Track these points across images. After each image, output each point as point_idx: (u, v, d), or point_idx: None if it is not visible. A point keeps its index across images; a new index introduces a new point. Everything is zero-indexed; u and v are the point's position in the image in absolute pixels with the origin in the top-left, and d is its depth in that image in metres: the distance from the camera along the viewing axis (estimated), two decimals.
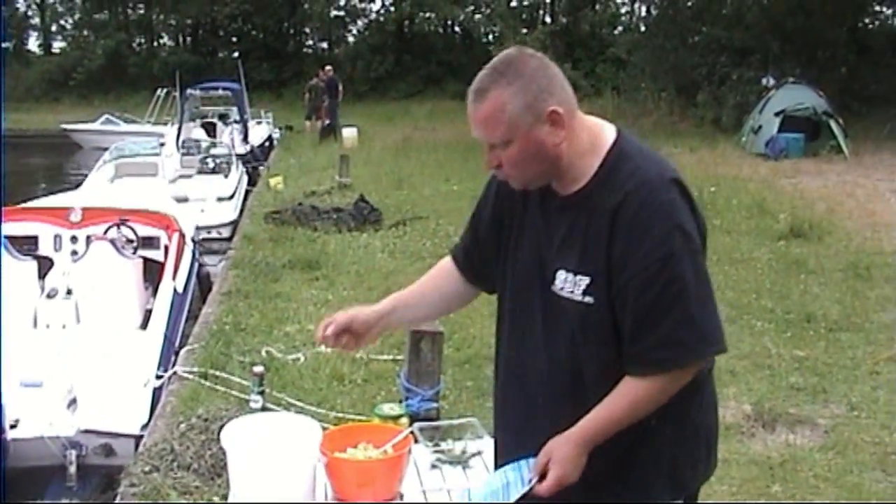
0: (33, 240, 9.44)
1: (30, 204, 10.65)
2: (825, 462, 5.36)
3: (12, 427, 5.90)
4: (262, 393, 5.57)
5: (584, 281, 2.31)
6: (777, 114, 19.47)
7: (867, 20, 30.66)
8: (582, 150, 2.35)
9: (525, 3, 47.95)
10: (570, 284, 2.33)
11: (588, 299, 2.31)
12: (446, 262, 2.77)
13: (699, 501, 2.59)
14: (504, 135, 2.29)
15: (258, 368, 5.46)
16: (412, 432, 2.98)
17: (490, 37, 46.72)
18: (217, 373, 6.83)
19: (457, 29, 49.53)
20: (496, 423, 2.68)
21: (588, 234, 2.32)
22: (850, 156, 18.55)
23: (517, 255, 2.51)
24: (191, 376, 6.89)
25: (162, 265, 9.20)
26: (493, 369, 2.67)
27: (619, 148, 2.36)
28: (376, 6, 50.00)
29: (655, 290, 2.23)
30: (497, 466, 2.63)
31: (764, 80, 24.00)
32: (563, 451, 2.33)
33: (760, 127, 19.88)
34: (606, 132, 2.40)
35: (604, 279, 2.29)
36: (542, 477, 2.33)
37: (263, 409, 5.39)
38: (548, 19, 47.26)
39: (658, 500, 2.44)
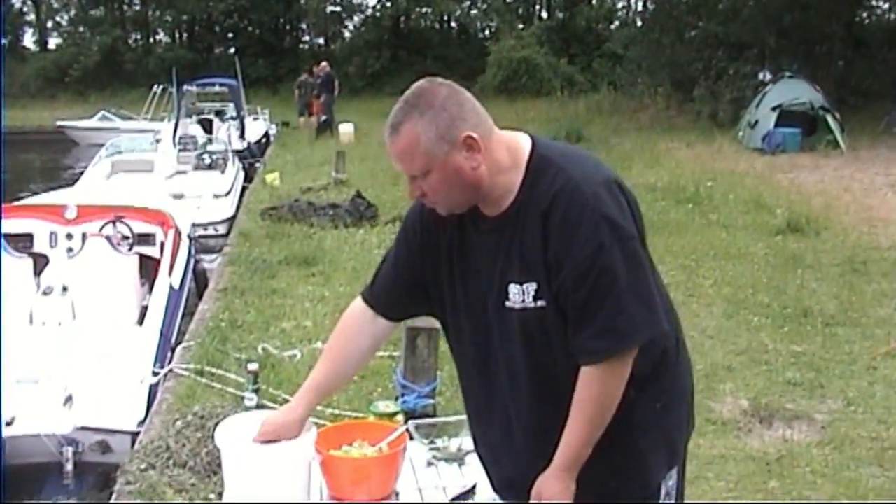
0: (29, 237, 9.43)
1: (25, 201, 10.65)
2: (822, 457, 5.36)
3: (8, 424, 5.90)
4: (256, 391, 5.54)
5: (532, 286, 2.38)
6: (774, 108, 19.43)
7: (864, 14, 30.63)
8: (502, 167, 2.41)
9: None
10: (521, 295, 2.40)
11: (541, 303, 2.38)
12: (357, 312, 2.76)
13: (698, 503, 2.62)
14: (422, 166, 2.36)
15: (252, 366, 5.43)
16: (407, 430, 2.98)
17: (486, 32, 46.73)
18: (213, 370, 6.82)
19: (453, 24, 49.47)
20: (475, 441, 2.74)
21: (525, 242, 2.38)
22: (846, 150, 18.52)
23: (467, 283, 2.54)
24: (187, 373, 6.88)
25: (158, 262, 9.20)
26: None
27: (538, 156, 2.42)
28: (372, 1, 49.93)
29: (589, 285, 2.30)
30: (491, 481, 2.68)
31: (760, 75, 23.97)
32: (552, 489, 2.40)
33: (757, 122, 19.84)
34: (522, 144, 2.45)
35: (548, 282, 2.35)
36: None
37: (258, 406, 5.36)
38: (544, 14, 47.30)
39: (656, 470, 2.51)
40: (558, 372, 2.40)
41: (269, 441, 2.68)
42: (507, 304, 2.41)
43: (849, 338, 7.51)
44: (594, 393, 2.34)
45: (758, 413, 5.95)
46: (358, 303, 2.76)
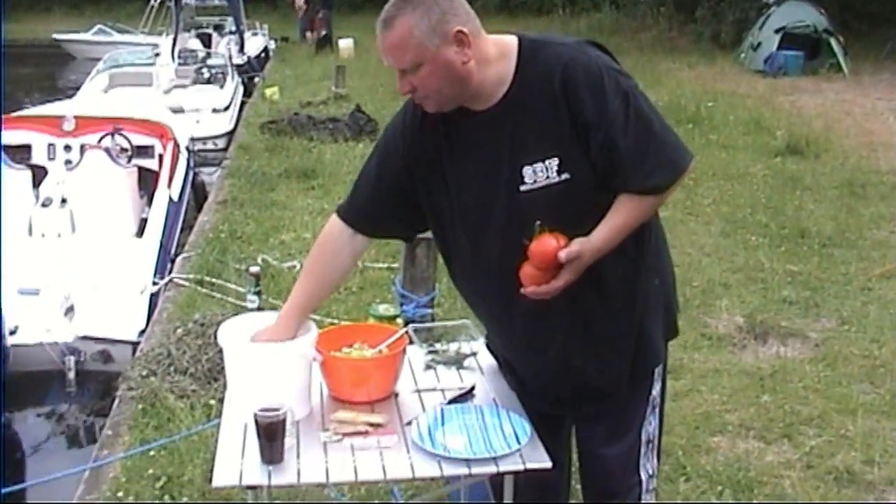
0: (27, 149, 9.41)
1: (23, 112, 10.58)
2: (815, 374, 5.42)
3: (11, 333, 5.96)
4: (258, 293, 5.60)
5: (555, 161, 2.41)
6: (777, 31, 19.23)
7: None
8: (490, 60, 2.46)
9: None
10: (541, 173, 2.42)
11: (565, 176, 2.41)
12: (335, 231, 2.77)
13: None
14: (413, 59, 2.39)
15: (254, 269, 5.48)
16: (407, 333, 3.01)
17: None
18: (213, 280, 6.88)
19: None
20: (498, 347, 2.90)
21: (538, 118, 2.42)
22: (849, 75, 18.37)
23: (465, 184, 2.55)
24: (187, 283, 6.94)
25: (157, 174, 9.19)
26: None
27: (529, 42, 2.49)
28: None
29: (631, 132, 2.38)
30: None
31: None
32: (585, 260, 2.42)
33: (760, 44, 19.65)
34: (509, 39, 2.52)
35: (575, 149, 2.39)
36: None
37: (259, 309, 5.42)
38: None
39: (656, 338, 2.66)
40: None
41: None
42: (523, 188, 2.44)
43: (845, 259, 7.55)
44: (634, 209, 2.44)
45: (753, 329, 6.01)
46: (335, 221, 2.78)
